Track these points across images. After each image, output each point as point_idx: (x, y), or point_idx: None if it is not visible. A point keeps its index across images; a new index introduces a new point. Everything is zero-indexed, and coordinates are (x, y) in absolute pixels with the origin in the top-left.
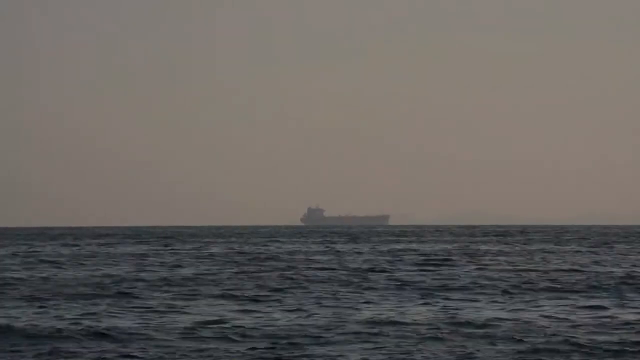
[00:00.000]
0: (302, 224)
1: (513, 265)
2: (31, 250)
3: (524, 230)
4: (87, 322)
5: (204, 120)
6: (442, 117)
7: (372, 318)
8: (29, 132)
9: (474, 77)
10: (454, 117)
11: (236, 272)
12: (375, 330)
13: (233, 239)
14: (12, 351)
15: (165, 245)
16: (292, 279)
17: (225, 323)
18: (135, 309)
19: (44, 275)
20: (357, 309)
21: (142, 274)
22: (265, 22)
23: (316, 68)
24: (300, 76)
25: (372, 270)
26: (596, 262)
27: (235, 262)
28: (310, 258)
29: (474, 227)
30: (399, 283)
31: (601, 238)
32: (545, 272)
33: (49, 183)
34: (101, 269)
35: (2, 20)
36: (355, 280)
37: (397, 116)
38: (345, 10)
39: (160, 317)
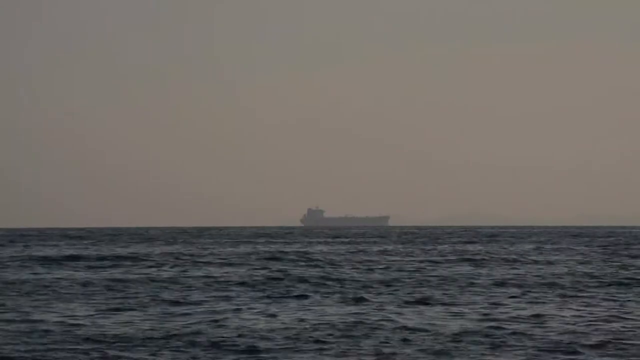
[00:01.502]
0: (302, 225)
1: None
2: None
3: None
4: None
5: (204, 121)
6: (442, 118)
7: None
8: (28, 132)
9: (474, 77)
10: (453, 117)
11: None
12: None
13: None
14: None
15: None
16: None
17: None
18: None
19: None
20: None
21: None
22: (265, 22)
23: (317, 69)
24: (300, 77)
25: None
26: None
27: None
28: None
29: (476, 228)
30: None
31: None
32: None
33: (48, 183)
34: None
35: (2, 20)
36: None
37: (397, 116)
38: (345, 12)
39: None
